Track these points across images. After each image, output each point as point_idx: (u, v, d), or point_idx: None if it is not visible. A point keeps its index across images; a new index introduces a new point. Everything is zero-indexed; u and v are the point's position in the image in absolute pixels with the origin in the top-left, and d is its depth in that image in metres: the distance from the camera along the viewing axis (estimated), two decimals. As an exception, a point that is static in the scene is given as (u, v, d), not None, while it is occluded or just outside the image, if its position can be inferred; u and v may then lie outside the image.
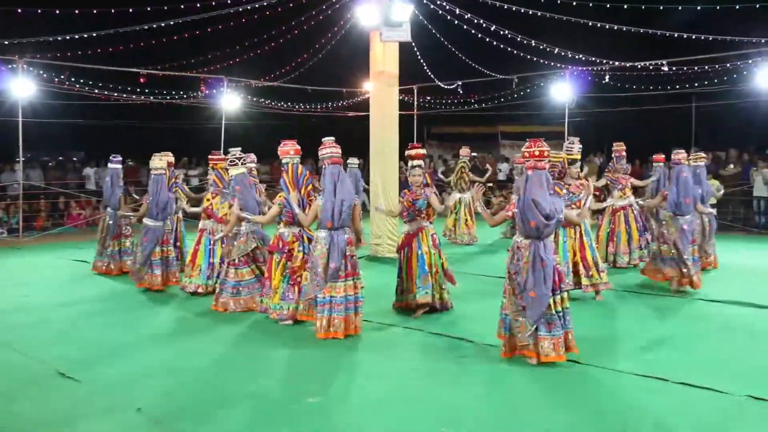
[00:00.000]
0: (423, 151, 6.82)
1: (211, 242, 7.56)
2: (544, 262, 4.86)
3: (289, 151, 6.18)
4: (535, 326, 4.90)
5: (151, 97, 14.93)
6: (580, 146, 7.36)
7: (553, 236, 5.20)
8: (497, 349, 5.25)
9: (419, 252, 6.44)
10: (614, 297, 7.47)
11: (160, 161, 7.95)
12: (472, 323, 6.22)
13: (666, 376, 4.70)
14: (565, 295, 5.01)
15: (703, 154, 9.20)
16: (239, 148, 6.95)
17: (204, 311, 6.92)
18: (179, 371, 4.96)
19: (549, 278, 4.84)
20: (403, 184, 13.58)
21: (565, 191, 7.11)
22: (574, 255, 7.10)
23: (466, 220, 12.08)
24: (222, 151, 8.59)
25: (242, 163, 6.85)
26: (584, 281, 7.13)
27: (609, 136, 14.75)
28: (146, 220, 7.98)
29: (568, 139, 7.46)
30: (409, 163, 6.76)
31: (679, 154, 7.76)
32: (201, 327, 6.33)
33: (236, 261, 6.83)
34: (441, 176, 15.33)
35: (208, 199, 7.67)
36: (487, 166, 13.92)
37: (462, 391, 4.48)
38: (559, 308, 4.95)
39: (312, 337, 5.79)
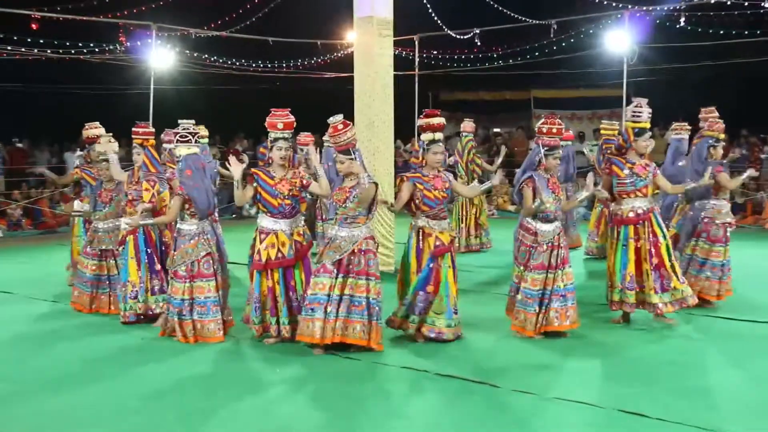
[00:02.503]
0: (442, 120, 6.86)
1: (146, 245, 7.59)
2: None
3: (293, 123, 6.72)
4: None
5: (49, 51, 14.62)
6: (650, 111, 7.20)
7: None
8: (525, 395, 5.27)
9: (448, 267, 6.55)
10: (687, 318, 7.33)
11: (111, 142, 8.01)
12: (491, 358, 6.26)
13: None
14: (568, 272, 6.62)
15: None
16: (192, 121, 6.97)
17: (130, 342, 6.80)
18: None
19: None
20: (400, 169, 12.74)
21: (627, 171, 6.96)
22: (649, 261, 6.89)
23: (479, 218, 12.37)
24: (150, 123, 8.43)
25: (196, 141, 6.91)
26: (654, 298, 6.85)
27: (685, 101, 14.41)
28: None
29: (634, 101, 7.33)
30: (423, 137, 6.79)
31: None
32: (137, 360, 6.21)
33: (178, 271, 6.67)
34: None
35: (147, 189, 7.61)
36: (503, 148, 14.08)
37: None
38: (560, 285, 6.56)
39: (283, 381, 5.71)
